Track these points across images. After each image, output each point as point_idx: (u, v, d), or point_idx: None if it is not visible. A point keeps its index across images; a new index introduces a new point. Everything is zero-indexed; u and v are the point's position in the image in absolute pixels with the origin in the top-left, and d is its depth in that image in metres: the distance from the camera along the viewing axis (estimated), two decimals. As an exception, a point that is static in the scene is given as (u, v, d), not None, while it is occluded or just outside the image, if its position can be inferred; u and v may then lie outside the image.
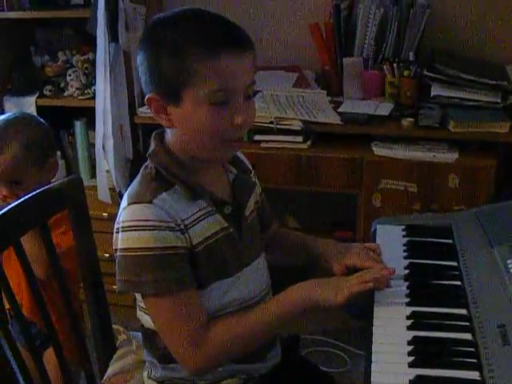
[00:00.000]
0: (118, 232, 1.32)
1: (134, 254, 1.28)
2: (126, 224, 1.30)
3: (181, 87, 1.26)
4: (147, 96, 1.32)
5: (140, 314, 1.46)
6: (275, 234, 1.65)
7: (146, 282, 1.29)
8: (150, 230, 1.27)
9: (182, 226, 1.31)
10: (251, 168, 1.54)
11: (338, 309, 1.36)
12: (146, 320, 1.43)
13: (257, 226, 1.51)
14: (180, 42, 1.24)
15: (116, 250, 1.33)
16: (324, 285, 1.36)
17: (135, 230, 1.28)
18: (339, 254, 1.52)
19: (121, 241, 1.31)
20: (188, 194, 1.33)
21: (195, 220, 1.34)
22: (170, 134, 1.37)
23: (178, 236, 1.30)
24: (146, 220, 1.28)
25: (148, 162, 1.38)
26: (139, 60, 1.32)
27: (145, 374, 1.51)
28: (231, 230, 1.39)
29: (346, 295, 1.33)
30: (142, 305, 1.41)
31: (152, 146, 1.39)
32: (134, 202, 1.30)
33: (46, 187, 1.55)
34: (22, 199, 1.47)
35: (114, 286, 1.30)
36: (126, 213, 1.31)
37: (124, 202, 1.33)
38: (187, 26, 1.27)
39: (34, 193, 1.50)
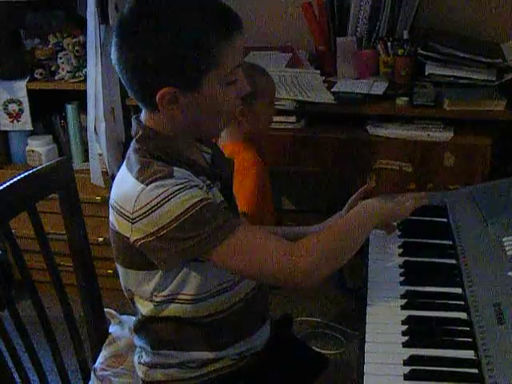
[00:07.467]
0: (144, 216, 1.24)
1: (185, 217, 1.22)
2: (161, 198, 1.23)
3: (202, 72, 1.25)
4: (161, 91, 1.25)
5: (136, 302, 1.43)
6: None
7: (215, 229, 1.23)
8: (188, 188, 1.24)
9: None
10: None
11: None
12: (143, 306, 1.41)
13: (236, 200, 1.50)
14: (197, 27, 1.23)
15: (149, 234, 1.25)
16: (389, 201, 1.46)
17: (174, 196, 1.23)
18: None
19: (159, 218, 1.23)
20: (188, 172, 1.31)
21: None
22: (154, 117, 1.33)
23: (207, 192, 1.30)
24: (179, 184, 1.24)
25: (136, 146, 1.34)
26: (134, 55, 1.25)
27: (135, 358, 1.50)
28: (226, 204, 1.39)
29: (410, 208, 1.48)
30: (141, 293, 1.39)
31: (139, 131, 1.35)
32: (155, 179, 1.25)
33: (34, 170, 1.53)
34: (10, 182, 1.44)
35: (110, 271, 1.25)
36: (151, 191, 1.24)
37: (137, 186, 1.25)
38: (196, 10, 1.24)
39: (21, 176, 1.48)
